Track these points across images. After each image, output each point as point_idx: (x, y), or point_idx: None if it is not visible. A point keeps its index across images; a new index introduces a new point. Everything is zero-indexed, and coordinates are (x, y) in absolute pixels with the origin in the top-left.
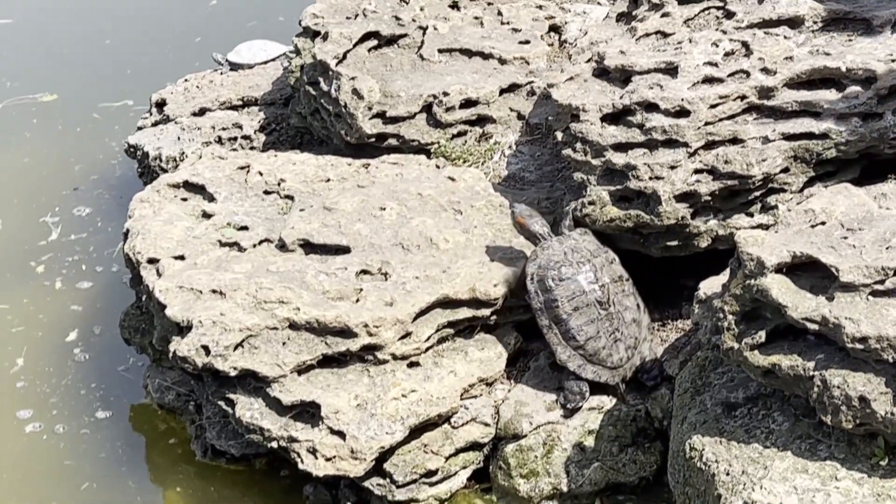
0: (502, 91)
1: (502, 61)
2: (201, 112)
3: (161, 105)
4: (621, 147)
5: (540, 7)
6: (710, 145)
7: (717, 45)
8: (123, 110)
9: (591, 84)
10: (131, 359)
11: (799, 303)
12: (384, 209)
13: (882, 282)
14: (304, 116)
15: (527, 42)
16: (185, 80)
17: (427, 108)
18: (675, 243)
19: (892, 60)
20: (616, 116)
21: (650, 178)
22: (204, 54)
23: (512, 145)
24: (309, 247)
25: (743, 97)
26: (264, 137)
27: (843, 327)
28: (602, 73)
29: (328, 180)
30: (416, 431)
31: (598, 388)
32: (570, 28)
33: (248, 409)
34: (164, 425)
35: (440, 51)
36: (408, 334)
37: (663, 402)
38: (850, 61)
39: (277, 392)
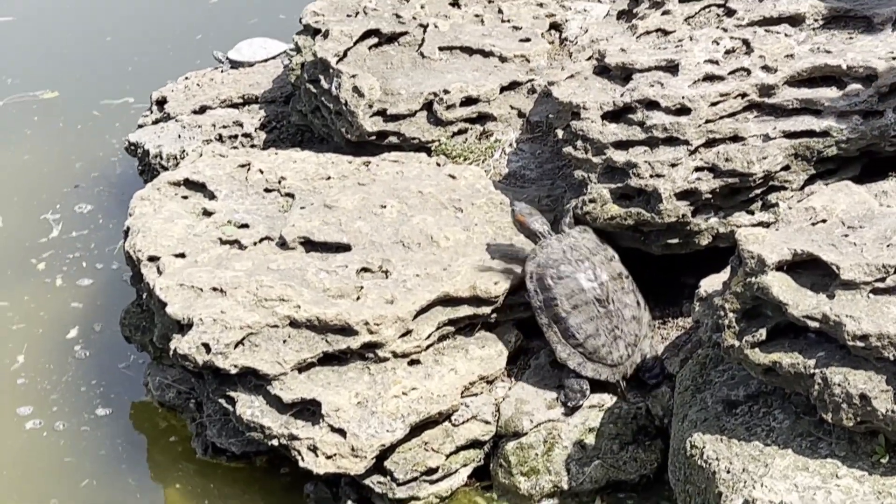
0: (503, 89)
1: (503, 59)
2: (202, 110)
3: (162, 103)
4: (622, 145)
5: (540, 5)
6: (710, 143)
7: (718, 43)
8: (124, 108)
9: (591, 82)
10: (132, 356)
11: (800, 300)
12: (385, 207)
13: (883, 279)
14: (305, 114)
15: (527, 40)
16: (186, 78)
17: (428, 106)
18: (675, 241)
19: (893, 58)
20: (617, 114)
21: (651, 176)
22: (205, 52)
23: (512, 143)
24: (309, 244)
25: (744, 95)
26: (265, 135)
27: (844, 325)
28: (603, 70)
29: (329, 178)
30: (416, 429)
31: (598, 385)
32: (570, 26)
33: (249, 406)
34: (165, 423)
35: (441, 49)
36: (408, 332)
37: (664, 400)
38: (851, 59)
39: (278, 390)
